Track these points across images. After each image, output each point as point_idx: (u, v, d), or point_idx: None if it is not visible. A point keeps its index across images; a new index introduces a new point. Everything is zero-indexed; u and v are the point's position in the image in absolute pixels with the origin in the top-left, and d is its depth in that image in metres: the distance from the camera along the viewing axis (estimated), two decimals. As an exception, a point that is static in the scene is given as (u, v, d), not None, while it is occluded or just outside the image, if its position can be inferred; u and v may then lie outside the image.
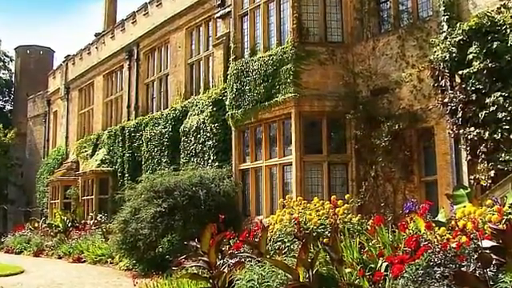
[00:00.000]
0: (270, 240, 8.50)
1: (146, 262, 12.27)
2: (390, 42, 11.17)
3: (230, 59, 13.54)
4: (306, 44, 11.77)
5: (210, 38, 16.55)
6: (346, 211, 8.62)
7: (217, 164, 14.07)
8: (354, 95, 11.54)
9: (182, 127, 16.10)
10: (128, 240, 12.26)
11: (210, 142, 14.57)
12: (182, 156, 15.78)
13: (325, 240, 7.31)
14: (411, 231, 6.87)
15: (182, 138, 15.93)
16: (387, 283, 5.97)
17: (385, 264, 6.34)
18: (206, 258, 7.62)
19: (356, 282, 6.25)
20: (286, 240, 8.35)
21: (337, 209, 8.53)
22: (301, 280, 6.30)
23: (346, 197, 9.21)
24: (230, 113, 13.21)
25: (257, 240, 8.27)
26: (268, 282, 6.68)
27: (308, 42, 11.85)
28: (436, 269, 5.46)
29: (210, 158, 14.53)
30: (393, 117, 10.69)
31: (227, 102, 13.43)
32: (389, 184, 10.77)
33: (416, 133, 10.59)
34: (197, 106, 15.82)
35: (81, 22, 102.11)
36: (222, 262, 7.78)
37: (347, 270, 6.51)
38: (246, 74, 12.73)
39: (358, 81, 11.68)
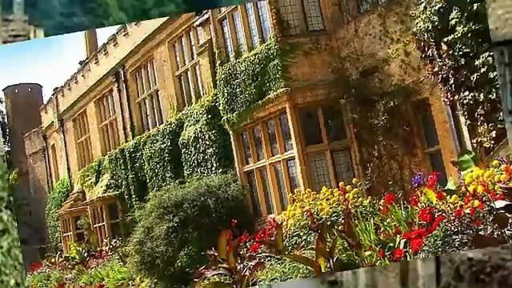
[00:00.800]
0: (286, 236, 8.54)
1: (167, 279, 12.24)
2: (371, 22, 11.17)
3: (217, 65, 13.54)
4: (288, 37, 11.77)
5: (194, 47, 16.53)
6: (355, 195, 8.69)
7: (221, 170, 14.04)
8: (344, 80, 11.53)
9: (180, 140, 16.08)
10: (146, 260, 12.23)
11: (211, 150, 14.56)
12: (185, 168, 15.77)
13: (340, 227, 7.33)
14: (423, 204, 6.89)
15: (183, 151, 15.91)
16: (408, 259, 5.97)
17: (403, 241, 6.37)
18: (225, 265, 7.64)
19: (377, 263, 6.26)
20: (301, 234, 8.40)
21: (346, 194, 8.57)
22: (323, 270, 6.31)
23: (354, 181, 9.27)
24: (225, 117, 13.21)
25: (273, 238, 8.31)
26: (290, 277, 6.69)
27: (290, 34, 11.86)
28: (454, 237, 5.50)
29: (213, 166, 14.51)
30: (386, 94, 10.69)
31: (220, 107, 13.43)
32: (393, 161, 10.76)
33: (412, 106, 10.58)
34: (191, 116, 15.80)
35: (63, 52, 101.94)
36: (241, 265, 7.78)
37: (367, 253, 6.54)
38: (235, 77, 12.73)
39: (346, 65, 11.67)
